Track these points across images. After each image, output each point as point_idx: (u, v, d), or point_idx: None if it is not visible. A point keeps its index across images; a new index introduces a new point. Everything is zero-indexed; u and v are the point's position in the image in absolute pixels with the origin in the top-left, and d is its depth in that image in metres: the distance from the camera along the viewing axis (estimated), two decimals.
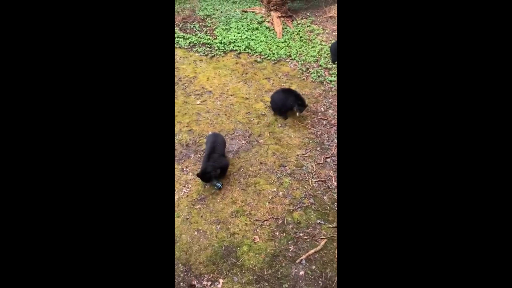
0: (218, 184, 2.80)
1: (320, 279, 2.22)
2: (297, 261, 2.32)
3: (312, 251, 2.38)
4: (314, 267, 2.29)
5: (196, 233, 2.50)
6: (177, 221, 2.58)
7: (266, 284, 2.18)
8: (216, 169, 2.74)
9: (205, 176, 2.71)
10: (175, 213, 2.64)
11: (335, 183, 2.95)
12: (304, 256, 2.34)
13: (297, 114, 3.57)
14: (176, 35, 5.05)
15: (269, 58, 4.70)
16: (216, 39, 5.00)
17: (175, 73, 4.34)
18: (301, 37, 5.23)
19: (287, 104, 3.52)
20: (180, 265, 2.29)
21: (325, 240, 2.46)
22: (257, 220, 2.59)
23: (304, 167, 3.08)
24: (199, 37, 5.04)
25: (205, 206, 2.70)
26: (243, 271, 2.25)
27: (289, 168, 3.07)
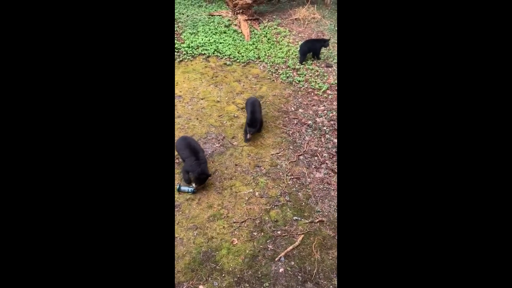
0: (190, 189, 2.76)
1: (300, 274, 2.27)
2: (276, 259, 2.35)
3: (290, 247, 2.42)
4: (293, 263, 2.34)
5: None
6: None
7: (247, 285, 2.17)
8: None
9: (206, 178, 2.73)
10: None
11: (309, 179, 3.03)
12: (282, 254, 2.37)
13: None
14: None
15: (238, 60, 4.73)
16: (183, 43, 4.93)
17: None
18: (268, 39, 5.32)
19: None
20: None
21: (302, 235, 2.52)
22: (234, 222, 2.59)
23: (278, 166, 3.14)
24: None
25: (180, 212, 2.64)
26: (223, 275, 2.23)
27: (264, 168, 3.10)
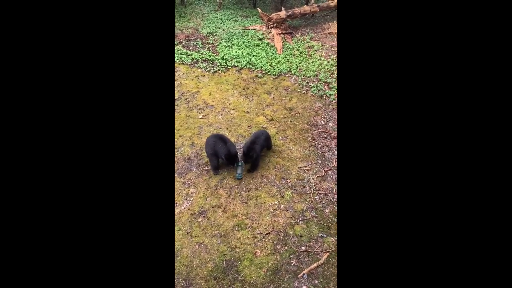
0: (240, 166, 3.05)
1: None
2: (299, 275, 2.28)
3: (314, 265, 2.34)
4: (316, 281, 2.25)
5: (197, 247, 2.48)
6: (178, 235, 2.57)
7: None
8: (236, 154, 3.00)
9: (233, 157, 2.97)
10: (176, 227, 2.63)
11: (337, 196, 2.93)
12: (306, 271, 2.30)
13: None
14: (179, 52, 5.21)
15: (269, 73, 4.81)
16: (218, 55, 5.15)
17: (178, 88, 4.44)
18: (301, 52, 5.36)
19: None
20: (180, 279, 2.27)
21: (328, 254, 2.43)
22: (258, 233, 2.57)
23: (305, 180, 3.09)
24: (201, 53, 5.19)
25: (206, 219, 2.70)
26: (245, 286, 2.21)
27: (290, 181, 3.07)
